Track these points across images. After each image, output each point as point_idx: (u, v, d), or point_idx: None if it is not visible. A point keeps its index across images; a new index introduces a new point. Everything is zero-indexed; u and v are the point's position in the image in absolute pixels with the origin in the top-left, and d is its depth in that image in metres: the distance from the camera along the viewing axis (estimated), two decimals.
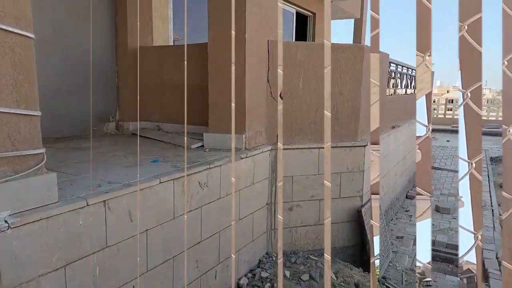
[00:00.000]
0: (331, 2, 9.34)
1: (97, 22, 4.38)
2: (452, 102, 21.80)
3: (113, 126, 4.64)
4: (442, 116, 20.14)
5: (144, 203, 2.30)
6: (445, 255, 4.93)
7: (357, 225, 4.14)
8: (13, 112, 1.75)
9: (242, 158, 3.27)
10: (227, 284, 3.15)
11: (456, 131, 14.53)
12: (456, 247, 4.92)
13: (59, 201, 1.90)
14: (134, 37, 4.56)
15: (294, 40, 8.46)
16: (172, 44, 5.23)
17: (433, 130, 14.72)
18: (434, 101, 23.12)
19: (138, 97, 4.50)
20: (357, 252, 4.19)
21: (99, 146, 3.66)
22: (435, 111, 20.10)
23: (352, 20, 11.33)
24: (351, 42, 10.86)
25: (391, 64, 5.62)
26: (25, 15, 1.79)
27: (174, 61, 4.46)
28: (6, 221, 1.64)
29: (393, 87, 6.06)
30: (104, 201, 2.05)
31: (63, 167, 2.65)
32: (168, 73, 4.49)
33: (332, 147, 4.04)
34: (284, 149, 3.76)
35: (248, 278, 3.35)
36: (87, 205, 1.95)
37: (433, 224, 5.62)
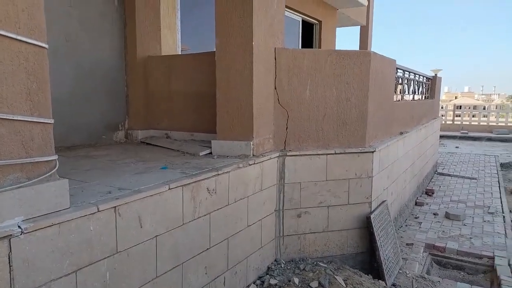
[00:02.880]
0: (337, 10, 9.41)
1: (107, 32, 4.47)
2: (460, 108, 21.63)
3: (122, 134, 4.69)
4: (451, 122, 19.98)
5: (153, 209, 2.32)
6: (456, 262, 4.86)
7: (366, 231, 4.11)
8: (27, 119, 1.79)
9: (250, 165, 3.28)
10: None
11: (464, 138, 14.52)
12: (467, 254, 4.85)
13: (71, 207, 1.93)
14: (143, 47, 4.63)
15: (301, 48, 8.49)
16: (179, 52, 5.31)
17: (442, 137, 14.62)
18: (442, 107, 22.94)
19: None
20: (366, 259, 4.15)
21: (109, 154, 3.70)
22: (443, 117, 19.96)
23: (358, 27, 11.38)
24: (357, 49, 10.90)
25: (398, 70, 5.61)
26: (39, 26, 1.84)
27: (182, 70, 4.51)
28: (19, 226, 1.67)
29: (400, 93, 6.06)
30: (115, 207, 2.07)
31: (73, 175, 2.68)
32: (176, 81, 4.54)
33: (340, 153, 4.03)
34: (292, 155, 3.77)
35: (257, 285, 3.34)
36: (98, 211, 1.98)
37: (443, 231, 5.55)
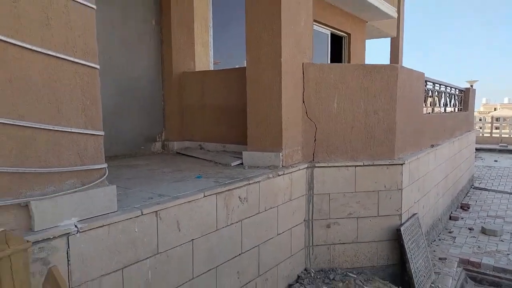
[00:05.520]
0: (366, 22, 9.51)
1: (146, 50, 4.82)
2: (498, 121, 20.83)
3: (159, 145, 5.00)
4: (489, 135, 19.27)
5: (190, 215, 2.52)
6: (492, 279, 4.75)
7: (396, 244, 4.12)
8: (82, 132, 2.04)
9: (279, 175, 3.43)
10: None
11: (504, 151, 13.93)
12: (503, 271, 4.73)
13: (118, 210, 2.15)
14: (178, 63, 4.94)
15: (329, 61, 8.64)
16: (212, 67, 5.59)
17: (479, 150, 14.16)
18: (480, 119, 22.16)
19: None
20: (397, 271, 4.16)
21: (148, 164, 3.96)
22: (481, 130, 19.29)
23: (389, 38, 11.38)
24: (388, 60, 10.90)
25: (428, 83, 5.63)
26: (92, 49, 2.10)
27: (214, 84, 4.77)
28: (75, 226, 1.90)
29: (430, 105, 6.04)
30: (156, 211, 2.28)
31: (117, 182, 2.90)
32: (209, 95, 4.80)
33: (368, 165, 4.11)
34: (320, 166, 3.88)
35: None
36: (142, 214, 2.19)
37: (479, 247, 5.43)
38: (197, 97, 4.90)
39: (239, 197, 2.95)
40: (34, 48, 1.83)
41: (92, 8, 2.09)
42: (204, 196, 2.62)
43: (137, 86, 4.70)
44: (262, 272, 3.21)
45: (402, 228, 4.07)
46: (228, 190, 2.84)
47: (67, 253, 1.86)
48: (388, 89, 4.02)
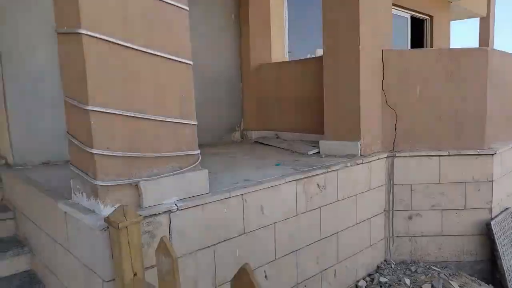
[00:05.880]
0: (450, 2, 8.86)
1: (226, 45, 5.13)
2: None
3: (238, 135, 5.32)
4: None
5: (272, 199, 2.68)
6: None
7: (486, 239, 3.91)
8: (180, 122, 2.30)
9: (358, 164, 3.45)
10: (346, 284, 3.34)
11: None
12: None
13: (210, 192, 2.39)
14: (255, 56, 5.16)
15: (410, 46, 8.25)
16: (287, 56, 5.71)
17: None
18: None
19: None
20: (486, 268, 3.94)
21: (230, 152, 4.23)
22: None
23: (477, 19, 10.46)
24: (477, 43, 10.06)
25: None
26: (186, 47, 2.36)
27: (290, 75, 4.89)
28: (176, 204, 2.17)
29: None
30: (242, 194, 2.48)
31: (206, 168, 3.20)
32: (285, 86, 4.94)
33: (454, 155, 3.92)
34: (401, 156, 3.81)
35: (366, 282, 3.49)
36: (230, 197, 2.40)
37: None
38: (273, 88, 5.07)
39: (317, 184, 3.05)
40: (141, 49, 2.11)
41: (186, 10, 2.33)
42: (285, 182, 2.77)
43: (218, 79, 5.03)
44: (341, 259, 3.29)
45: (492, 222, 3.85)
46: (307, 177, 2.95)
47: (169, 228, 2.13)
48: (477, 74, 3.78)
